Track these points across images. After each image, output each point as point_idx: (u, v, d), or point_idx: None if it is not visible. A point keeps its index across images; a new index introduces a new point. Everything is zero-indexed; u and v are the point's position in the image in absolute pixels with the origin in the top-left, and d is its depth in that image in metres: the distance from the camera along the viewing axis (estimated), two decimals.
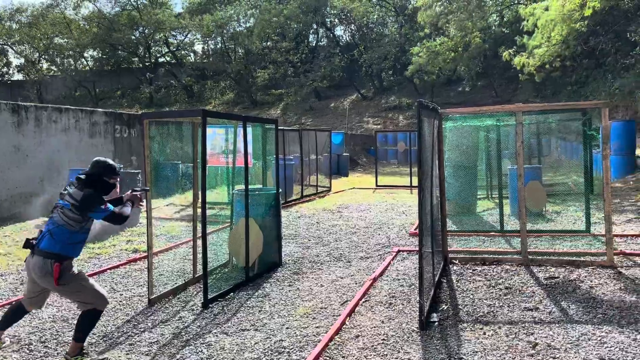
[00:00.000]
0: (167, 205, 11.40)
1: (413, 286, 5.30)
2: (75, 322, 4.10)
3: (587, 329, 4.03)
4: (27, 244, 3.87)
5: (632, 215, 8.70)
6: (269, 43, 40.46)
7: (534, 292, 4.99)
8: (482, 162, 10.53)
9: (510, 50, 18.81)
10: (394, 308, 4.73)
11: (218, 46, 44.29)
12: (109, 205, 3.91)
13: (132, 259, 6.74)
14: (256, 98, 40.89)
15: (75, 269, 3.90)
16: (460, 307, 4.69)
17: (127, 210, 4.07)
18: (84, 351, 3.92)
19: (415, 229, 8.04)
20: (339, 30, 43.45)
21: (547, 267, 5.82)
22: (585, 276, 5.42)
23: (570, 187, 11.55)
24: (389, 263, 6.30)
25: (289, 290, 5.38)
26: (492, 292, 5.05)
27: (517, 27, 22.73)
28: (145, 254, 6.10)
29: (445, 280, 5.54)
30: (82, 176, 3.92)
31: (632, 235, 7.21)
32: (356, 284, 5.52)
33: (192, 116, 5.29)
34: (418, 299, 4.33)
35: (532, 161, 12.92)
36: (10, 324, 4.17)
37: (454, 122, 8.60)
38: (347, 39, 42.67)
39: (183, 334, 4.33)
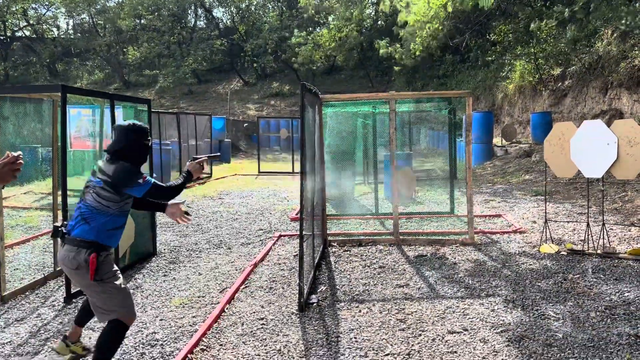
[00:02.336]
0: (25, 193, 10.29)
1: (293, 269, 5.33)
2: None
3: (452, 302, 4.34)
4: (56, 232, 3.15)
5: (490, 198, 9.60)
6: (142, 21, 38.07)
7: (405, 270, 5.27)
8: (359, 148, 10.91)
9: (383, 42, 19.82)
10: (275, 292, 4.71)
11: (85, 20, 40.72)
12: (149, 178, 3.20)
13: None
14: (129, 79, 38.38)
15: (114, 266, 3.22)
16: (338, 287, 4.81)
17: (178, 182, 3.35)
18: None
19: (296, 214, 8.10)
20: (218, 13, 42.26)
21: (417, 247, 6.20)
22: (450, 254, 5.85)
23: (437, 172, 12.44)
24: (270, 248, 6.28)
25: (164, 281, 5.13)
26: (367, 272, 5.24)
27: (394, 20, 23.92)
28: None
29: (324, 263, 5.65)
30: (112, 149, 3.20)
31: (490, 216, 7.95)
32: (236, 270, 5.42)
33: (50, 92, 4.73)
34: (298, 281, 4.35)
35: (404, 149, 13.67)
36: (86, 320, 3.52)
37: (334, 109, 8.79)
38: (227, 22, 41.64)
39: (42, 332, 3.92)
